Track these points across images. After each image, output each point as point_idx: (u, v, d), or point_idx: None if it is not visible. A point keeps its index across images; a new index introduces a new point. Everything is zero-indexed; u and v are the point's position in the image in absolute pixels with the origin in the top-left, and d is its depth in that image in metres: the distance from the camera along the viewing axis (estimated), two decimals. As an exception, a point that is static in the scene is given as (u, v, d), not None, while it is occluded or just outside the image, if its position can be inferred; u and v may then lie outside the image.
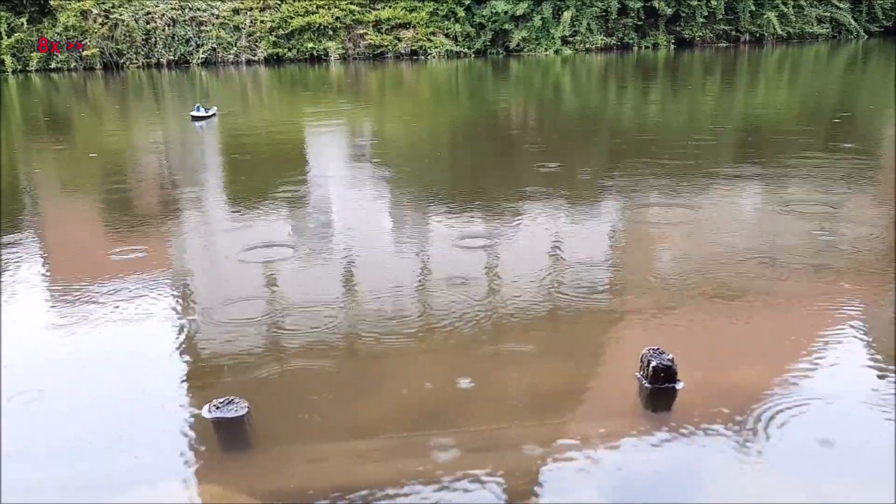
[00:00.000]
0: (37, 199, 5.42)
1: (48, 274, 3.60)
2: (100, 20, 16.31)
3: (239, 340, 2.77)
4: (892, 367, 2.44)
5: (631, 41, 17.57)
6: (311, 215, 4.56)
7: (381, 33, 17.11)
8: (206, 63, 16.46)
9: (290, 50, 16.80)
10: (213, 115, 8.56)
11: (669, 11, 17.35)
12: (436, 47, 16.90)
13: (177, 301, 3.18)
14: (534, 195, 4.73)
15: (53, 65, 16.18)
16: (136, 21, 16.36)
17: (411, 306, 3.04)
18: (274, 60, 16.71)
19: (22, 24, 16.17)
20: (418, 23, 17.16)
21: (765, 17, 18.07)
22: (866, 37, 18.77)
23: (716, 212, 4.30)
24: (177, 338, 2.82)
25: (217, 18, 16.71)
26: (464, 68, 15.29)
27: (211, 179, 5.83)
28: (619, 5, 17.15)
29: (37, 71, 16.06)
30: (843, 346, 2.59)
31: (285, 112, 10.46)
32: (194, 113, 8.38)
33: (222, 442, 2.15)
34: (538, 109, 9.93)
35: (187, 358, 2.65)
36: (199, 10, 16.72)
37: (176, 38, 16.55)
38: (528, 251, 3.72)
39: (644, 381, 2.34)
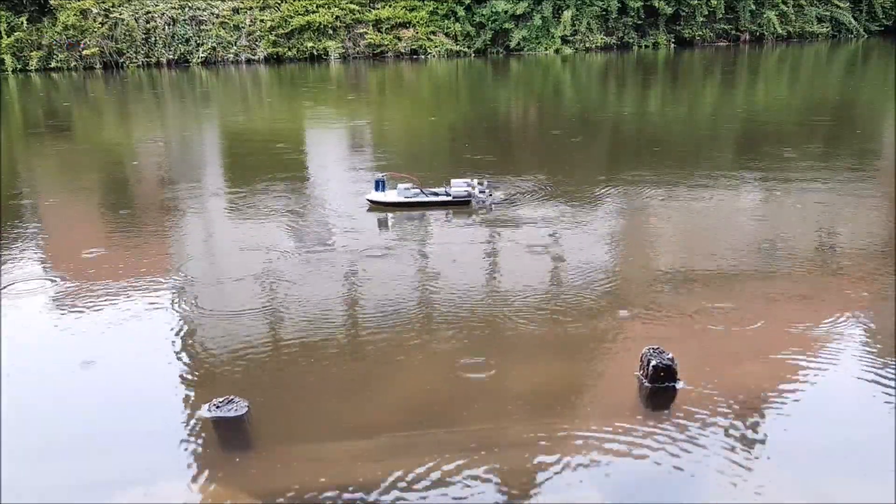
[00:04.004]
0: (42, 201, 5.42)
1: (47, 272, 3.60)
2: (100, 19, 16.29)
3: (239, 340, 2.77)
4: (891, 366, 2.44)
5: (631, 40, 17.53)
6: (316, 214, 4.55)
7: (381, 32, 17.08)
8: (205, 62, 16.44)
9: (289, 49, 16.77)
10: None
11: (669, 11, 17.31)
12: (436, 46, 16.88)
13: (176, 300, 3.18)
14: (532, 193, 4.72)
15: (53, 64, 16.16)
16: (136, 20, 16.34)
17: (411, 305, 3.04)
18: (274, 60, 16.69)
19: (22, 23, 16.14)
20: (418, 22, 17.13)
21: (765, 16, 18.04)
22: (866, 36, 18.75)
23: (716, 211, 4.30)
24: (176, 337, 2.82)
25: (217, 18, 16.68)
26: (465, 68, 15.28)
27: (215, 175, 5.84)
28: (619, 4, 17.11)
29: (36, 70, 16.05)
30: (843, 345, 2.59)
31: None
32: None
33: (222, 442, 2.15)
34: (550, 109, 9.92)
35: (187, 357, 2.65)
36: (199, 9, 16.70)
37: (176, 38, 16.53)
38: (526, 250, 3.72)
39: (644, 381, 2.34)
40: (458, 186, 4.43)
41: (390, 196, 4.49)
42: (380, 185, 4.52)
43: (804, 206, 4.41)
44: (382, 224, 4.33)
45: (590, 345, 2.70)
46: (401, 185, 4.50)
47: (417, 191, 4.49)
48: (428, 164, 6.04)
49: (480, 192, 4.39)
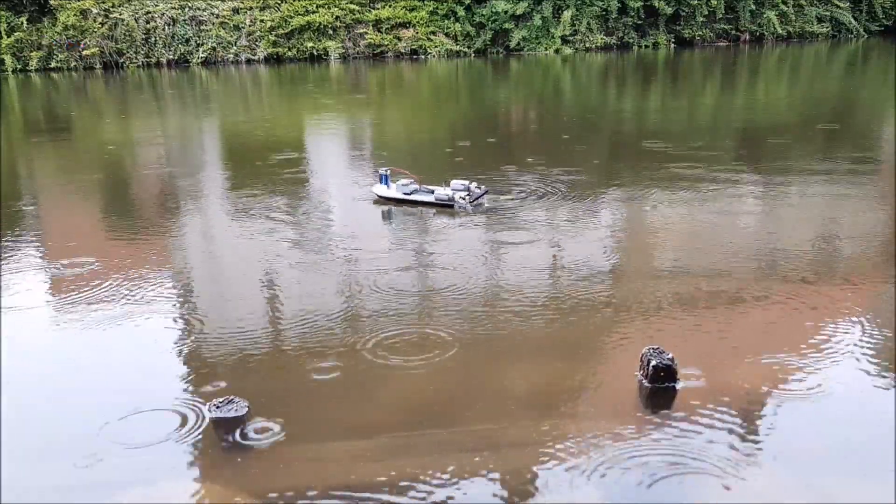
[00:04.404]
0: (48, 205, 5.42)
1: (47, 273, 3.60)
2: (99, 19, 16.29)
3: (239, 340, 2.77)
4: (891, 366, 2.44)
5: (631, 40, 17.53)
6: (316, 214, 4.56)
7: (381, 32, 17.08)
8: (205, 62, 16.44)
9: (289, 49, 16.77)
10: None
11: (669, 11, 17.31)
12: (436, 46, 16.88)
13: (177, 300, 3.18)
14: (532, 193, 4.72)
15: (53, 64, 16.16)
16: (136, 20, 16.34)
17: (410, 305, 3.04)
18: (274, 60, 16.69)
19: (22, 23, 16.15)
20: (418, 22, 17.13)
21: (765, 16, 18.04)
22: (866, 36, 18.75)
23: (716, 211, 4.30)
24: (177, 337, 2.82)
25: (217, 18, 16.68)
26: (465, 68, 15.27)
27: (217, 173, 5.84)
28: (618, 4, 17.10)
29: (36, 70, 16.05)
30: (843, 345, 2.59)
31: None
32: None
33: (222, 442, 2.15)
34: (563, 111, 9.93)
35: (187, 358, 2.65)
36: (199, 9, 16.70)
37: (176, 38, 16.53)
38: (525, 250, 3.71)
39: (644, 381, 2.34)
40: (454, 187, 4.51)
41: (391, 191, 4.66)
42: (384, 179, 4.71)
43: (805, 206, 4.41)
44: (382, 223, 4.34)
45: (590, 345, 2.70)
46: (400, 182, 4.64)
47: (415, 188, 4.60)
48: (428, 163, 6.04)
49: (461, 197, 4.42)
